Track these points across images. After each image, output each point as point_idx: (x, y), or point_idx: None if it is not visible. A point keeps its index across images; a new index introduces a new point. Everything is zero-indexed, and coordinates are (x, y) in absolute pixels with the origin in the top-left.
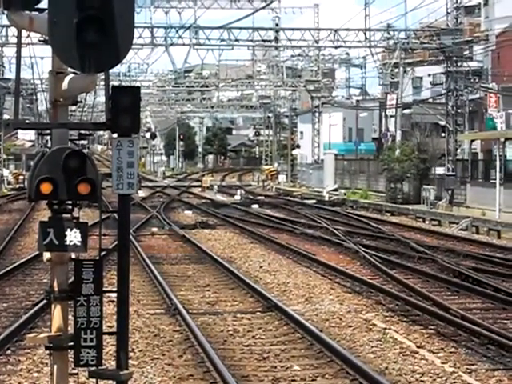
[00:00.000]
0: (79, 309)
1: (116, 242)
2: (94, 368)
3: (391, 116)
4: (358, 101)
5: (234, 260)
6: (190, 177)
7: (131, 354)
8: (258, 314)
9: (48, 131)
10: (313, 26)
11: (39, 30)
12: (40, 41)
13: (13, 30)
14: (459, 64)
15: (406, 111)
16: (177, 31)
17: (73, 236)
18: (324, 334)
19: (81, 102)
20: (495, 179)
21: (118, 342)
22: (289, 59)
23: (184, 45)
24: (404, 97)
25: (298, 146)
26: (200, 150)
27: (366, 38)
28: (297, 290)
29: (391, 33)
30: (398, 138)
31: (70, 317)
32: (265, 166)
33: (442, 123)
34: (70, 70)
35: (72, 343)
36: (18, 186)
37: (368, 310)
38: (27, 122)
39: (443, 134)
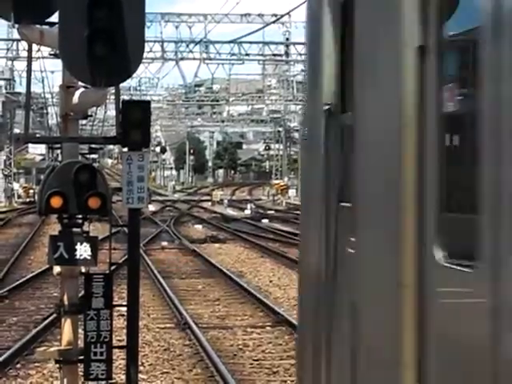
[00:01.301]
0: (89, 323)
1: (126, 256)
2: (103, 382)
3: None
4: None
5: (244, 274)
6: (201, 191)
7: (141, 368)
8: (268, 328)
9: (58, 145)
10: None
11: (50, 43)
12: (51, 54)
13: (23, 44)
14: None
15: None
16: (187, 45)
17: (83, 250)
18: None
19: (91, 116)
20: None
21: (127, 356)
22: (299, 74)
23: (194, 59)
24: None
25: None
26: (210, 164)
27: None
28: None
29: None
30: None
31: (79, 331)
32: (275, 180)
33: None
34: (80, 84)
35: (82, 357)
36: (28, 199)
37: None
38: (38, 135)
39: None
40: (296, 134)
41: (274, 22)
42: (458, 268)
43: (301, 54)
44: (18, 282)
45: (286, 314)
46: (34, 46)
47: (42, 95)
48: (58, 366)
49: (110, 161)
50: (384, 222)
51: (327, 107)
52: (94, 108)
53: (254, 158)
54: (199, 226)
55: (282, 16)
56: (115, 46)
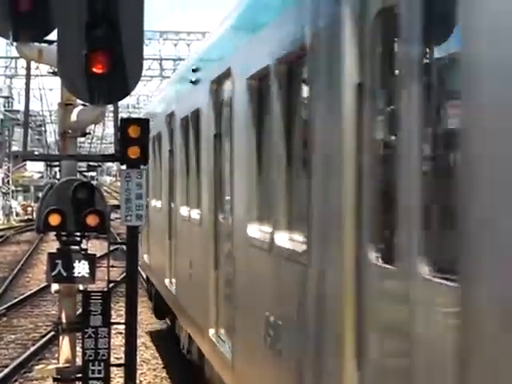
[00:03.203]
0: (87, 340)
1: (124, 274)
2: None
3: None
4: None
5: None
6: None
7: None
8: None
9: (57, 163)
10: None
11: (48, 61)
12: (49, 72)
13: (22, 62)
14: None
15: None
16: None
17: (81, 268)
18: None
19: (89, 133)
20: None
21: (125, 374)
22: None
23: None
24: None
25: None
26: None
27: None
28: None
29: None
30: None
31: (78, 348)
32: None
33: None
34: (79, 101)
35: (80, 375)
36: (26, 217)
37: None
38: (36, 153)
39: None
40: None
41: None
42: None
43: None
44: (16, 300)
45: None
46: (33, 64)
47: (41, 113)
48: (55, 383)
49: (108, 178)
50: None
51: None
52: (93, 126)
53: None
54: None
55: None
56: (114, 64)
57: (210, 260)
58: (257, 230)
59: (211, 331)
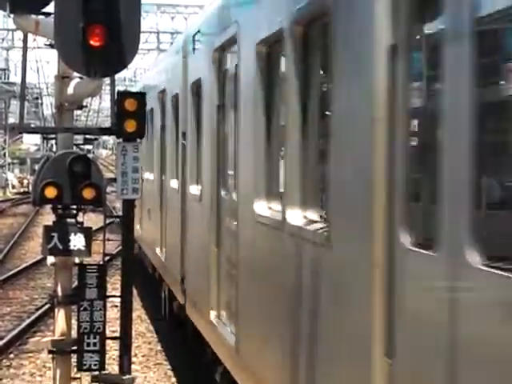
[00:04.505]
0: (82, 313)
1: (120, 247)
2: (96, 372)
3: None
4: None
5: None
6: None
7: (134, 359)
8: None
9: (53, 135)
10: None
11: (45, 34)
12: (46, 45)
13: (19, 34)
14: None
15: None
16: None
17: (77, 241)
18: None
19: (86, 106)
20: None
21: (121, 347)
22: None
23: None
24: None
25: None
26: None
27: None
28: None
29: None
30: None
31: (73, 321)
32: None
33: None
34: (75, 74)
35: (75, 347)
36: (22, 189)
37: None
38: (32, 126)
39: None
40: None
41: None
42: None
43: None
44: (11, 272)
45: None
46: (30, 36)
47: (37, 85)
48: (51, 356)
49: (104, 151)
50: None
51: None
52: (89, 99)
53: None
54: None
55: None
56: (111, 37)
57: (212, 237)
58: (266, 208)
59: (212, 314)
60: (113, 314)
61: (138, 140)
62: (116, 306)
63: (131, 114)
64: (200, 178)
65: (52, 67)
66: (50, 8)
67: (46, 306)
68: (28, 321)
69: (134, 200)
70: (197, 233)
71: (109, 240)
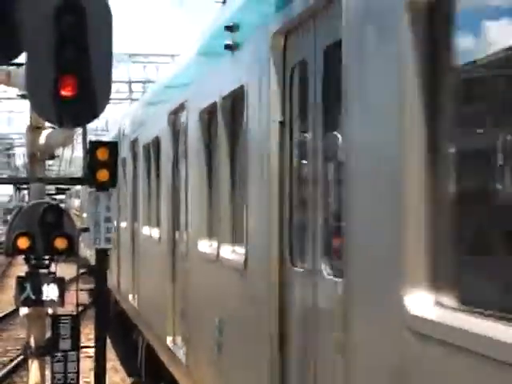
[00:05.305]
0: (56, 364)
1: (93, 297)
2: None
3: None
4: None
5: None
6: None
7: None
8: None
9: (26, 186)
10: None
11: (17, 84)
12: (18, 95)
13: None
14: None
15: None
16: None
17: (50, 291)
18: None
19: (58, 156)
20: None
21: None
22: None
23: None
24: None
25: None
26: None
27: None
28: None
29: None
30: None
31: (47, 372)
32: None
33: None
34: (47, 124)
35: None
36: None
37: None
38: (4, 176)
39: None
40: None
41: None
42: None
43: None
44: None
45: None
46: (1, 87)
47: (9, 136)
48: None
49: (77, 201)
50: None
51: None
52: (62, 149)
53: None
54: None
55: None
56: (82, 87)
57: (168, 274)
58: (207, 245)
59: (168, 339)
60: (87, 364)
61: (111, 189)
62: (90, 357)
63: (103, 164)
64: (160, 223)
65: (24, 117)
66: (22, 59)
67: (20, 358)
68: (1, 372)
69: (107, 249)
70: (157, 270)
71: (82, 290)
